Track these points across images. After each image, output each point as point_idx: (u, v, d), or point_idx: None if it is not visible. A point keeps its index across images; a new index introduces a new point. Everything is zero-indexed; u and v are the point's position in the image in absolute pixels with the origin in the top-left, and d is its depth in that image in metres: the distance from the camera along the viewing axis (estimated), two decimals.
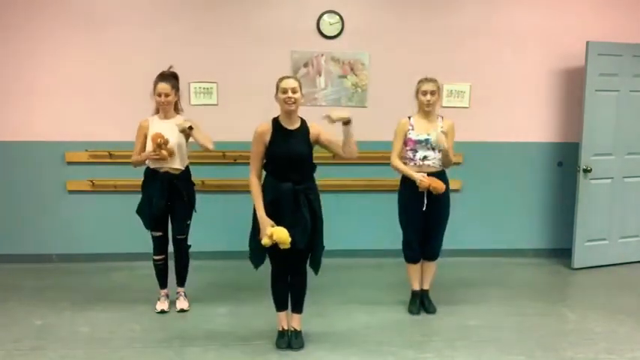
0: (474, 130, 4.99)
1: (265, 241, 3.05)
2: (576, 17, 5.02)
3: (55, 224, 4.98)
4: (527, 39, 5.01)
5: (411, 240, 3.83)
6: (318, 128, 3.24)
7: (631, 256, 5.12)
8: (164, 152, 3.61)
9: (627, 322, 3.81)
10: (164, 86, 3.66)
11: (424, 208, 3.68)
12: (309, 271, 3.35)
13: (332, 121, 3.02)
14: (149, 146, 3.67)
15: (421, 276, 3.97)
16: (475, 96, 5.03)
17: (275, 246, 3.12)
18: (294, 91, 3.10)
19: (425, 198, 3.67)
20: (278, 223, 3.08)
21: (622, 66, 4.78)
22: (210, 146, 3.69)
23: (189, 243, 3.95)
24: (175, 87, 3.73)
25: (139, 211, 3.76)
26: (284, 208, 3.08)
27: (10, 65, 4.78)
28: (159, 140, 3.59)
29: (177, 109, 3.83)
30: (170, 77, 3.72)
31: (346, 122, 3.05)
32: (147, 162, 3.75)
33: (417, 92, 3.70)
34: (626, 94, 4.86)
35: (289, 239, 3.03)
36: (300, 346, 3.35)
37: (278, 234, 3.02)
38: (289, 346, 3.36)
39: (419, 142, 3.66)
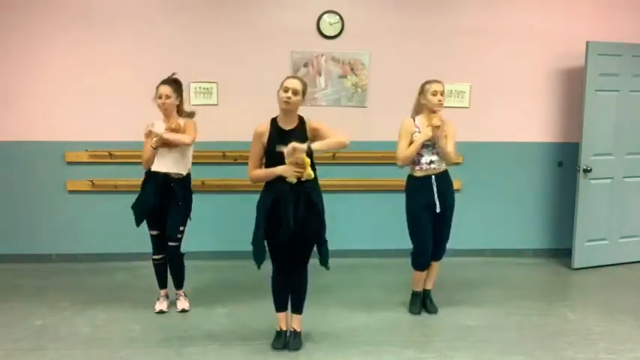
0: (474, 130, 5.00)
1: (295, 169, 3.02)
2: (576, 17, 5.02)
3: (55, 224, 4.98)
4: (527, 39, 5.01)
5: (422, 247, 3.78)
6: (316, 124, 3.21)
7: (631, 256, 5.12)
8: (176, 129, 3.66)
9: (627, 321, 3.81)
10: (164, 88, 3.69)
11: (438, 210, 3.69)
12: (311, 272, 3.36)
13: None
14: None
15: (425, 277, 3.97)
16: (475, 96, 5.03)
17: (276, 246, 3.18)
18: (294, 93, 3.09)
19: (436, 200, 3.67)
20: (279, 222, 3.09)
21: (622, 66, 4.78)
22: (187, 141, 3.67)
23: (182, 251, 3.91)
24: (177, 91, 3.75)
25: (133, 206, 3.78)
26: (288, 210, 3.08)
27: (9, 65, 4.78)
28: (173, 126, 3.66)
29: (181, 113, 3.83)
30: (171, 82, 3.75)
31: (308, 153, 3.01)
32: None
33: (426, 93, 3.67)
34: (626, 94, 4.86)
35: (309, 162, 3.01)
36: (296, 347, 3.34)
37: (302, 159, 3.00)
38: (285, 347, 3.35)
39: (425, 146, 3.65)
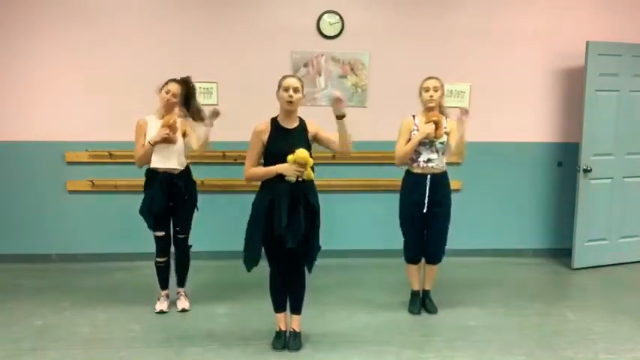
0: (474, 130, 4.96)
1: (293, 169, 3.03)
2: (576, 17, 5.02)
3: (55, 224, 4.98)
4: (527, 39, 5.01)
5: (411, 241, 3.83)
6: (316, 125, 3.24)
7: (631, 256, 5.12)
8: (172, 134, 3.65)
9: (627, 322, 3.81)
10: (174, 86, 3.73)
11: (424, 210, 3.68)
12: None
13: (337, 105, 2.96)
14: (154, 134, 3.68)
15: (422, 276, 3.97)
16: (475, 96, 5.03)
17: (274, 246, 3.16)
18: (295, 91, 3.10)
19: (426, 200, 3.67)
20: (273, 223, 3.08)
21: (622, 66, 4.78)
22: (195, 147, 3.77)
23: (190, 243, 3.96)
24: (183, 93, 3.77)
25: (141, 210, 3.78)
26: (281, 207, 3.07)
27: (9, 65, 4.78)
28: (171, 121, 3.64)
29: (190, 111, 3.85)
30: (182, 82, 3.77)
31: (340, 117, 3.02)
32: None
33: (420, 90, 3.72)
34: (626, 94, 4.86)
35: (308, 154, 3.02)
36: (296, 347, 3.34)
37: (298, 155, 2.99)
38: (286, 347, 3.35)
39: (423, 144, 3.65)
